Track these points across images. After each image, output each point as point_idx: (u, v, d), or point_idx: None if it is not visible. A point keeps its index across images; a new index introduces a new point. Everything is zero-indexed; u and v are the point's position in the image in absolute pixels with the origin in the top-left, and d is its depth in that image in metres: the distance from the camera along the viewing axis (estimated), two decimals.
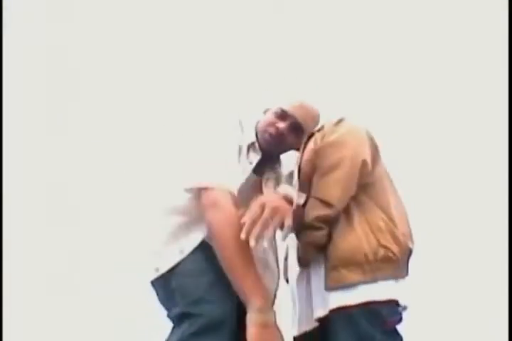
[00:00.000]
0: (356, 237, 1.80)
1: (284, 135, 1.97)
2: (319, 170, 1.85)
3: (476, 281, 3.33)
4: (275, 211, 1.73)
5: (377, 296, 1.77)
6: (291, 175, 2.08)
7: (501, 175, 3.15)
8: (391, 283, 1.81)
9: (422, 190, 3.32)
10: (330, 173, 1.83)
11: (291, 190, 1.88)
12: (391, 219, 1.86)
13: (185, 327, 1.75)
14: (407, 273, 1.87)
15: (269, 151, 2.01)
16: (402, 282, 1.85)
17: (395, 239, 1.83)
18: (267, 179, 2.03)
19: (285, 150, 2.07)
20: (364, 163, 1.85)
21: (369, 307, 1.75)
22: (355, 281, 1.76)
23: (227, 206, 1.76)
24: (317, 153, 1.89)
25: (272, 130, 1.97)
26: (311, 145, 1.93)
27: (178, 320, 1.81)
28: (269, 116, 2.00)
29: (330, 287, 1.78)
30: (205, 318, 1.73)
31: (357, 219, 1.84)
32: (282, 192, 1.86)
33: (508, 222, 3.03)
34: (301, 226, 1.80)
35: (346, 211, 1.84)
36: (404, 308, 1.83)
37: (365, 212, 1.85)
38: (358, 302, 1.75)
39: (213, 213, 1.75)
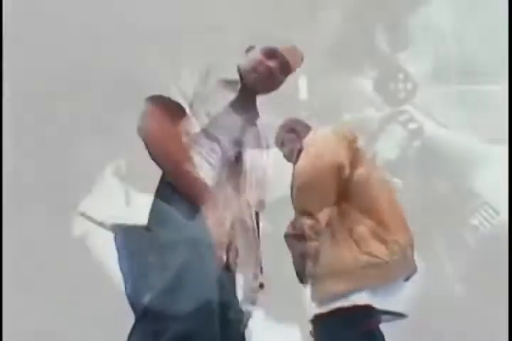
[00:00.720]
0: (337, 248, 1.81)
1: (275, 74, 1.91)
2: (296, 182, 1.90)
3: (476, 281, 3.33)
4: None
5: (346, 303, 1.77)
6: None
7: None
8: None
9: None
10: (304, 184, 1.87)
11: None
12: (380, 223, 1.85)
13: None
14: (413, 272, 1.86)
15: (254, 91, 1.94)
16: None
17: (383, 242, 1.81)
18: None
19: (269, 91, 1.98)
20: (340, 165, 1.85)
21: (341, 313, 1.77)
22: (339, 291, 1.76)
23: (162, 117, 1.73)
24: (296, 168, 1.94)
25: (262, 69, 1.89)
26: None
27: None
28: (257, 55, 1.93)
29: (317, 299, 1.80)
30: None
31: (338, 230, 1.85)
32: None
33: (509, 221, 3.03)
34: (297, 238, 1.86)
35: (329, 224, 1.86)
36: (381, 312, 1.84)
37: (347, 222, 1.86)
38: (328, 310, 1.78)
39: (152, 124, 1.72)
